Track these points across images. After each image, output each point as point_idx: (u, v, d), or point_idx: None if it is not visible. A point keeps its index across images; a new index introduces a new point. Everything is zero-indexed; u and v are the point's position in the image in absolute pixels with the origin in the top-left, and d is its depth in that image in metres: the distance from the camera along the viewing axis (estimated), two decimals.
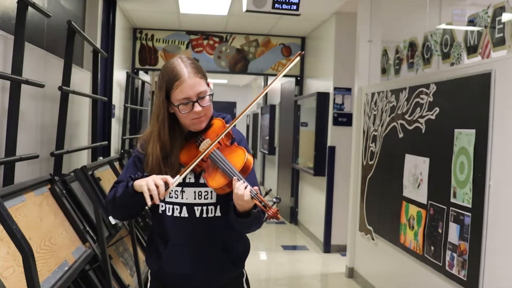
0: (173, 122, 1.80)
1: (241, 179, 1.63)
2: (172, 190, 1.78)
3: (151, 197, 1.61)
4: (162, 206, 1.81)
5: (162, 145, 1.77)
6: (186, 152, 1.79)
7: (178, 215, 1.79)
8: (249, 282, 1.95)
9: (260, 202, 1.59)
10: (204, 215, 1.79)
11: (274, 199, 1.60)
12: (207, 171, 1.74)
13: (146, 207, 1.65)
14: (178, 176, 1.69)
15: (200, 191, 1.78)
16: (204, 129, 1.81)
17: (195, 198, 1.78)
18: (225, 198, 1.71)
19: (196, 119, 1.76)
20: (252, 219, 1.64)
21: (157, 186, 1.62)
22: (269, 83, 1.83)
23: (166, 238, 1.81)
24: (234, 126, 1.81)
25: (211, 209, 1.79)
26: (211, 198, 1.79)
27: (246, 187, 1.60)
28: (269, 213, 1.56)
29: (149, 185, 1.62)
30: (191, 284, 1.82)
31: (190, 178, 1.79)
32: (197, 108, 1.73)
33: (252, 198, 1.59)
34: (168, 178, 1.65)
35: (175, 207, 1.79)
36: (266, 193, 1.62)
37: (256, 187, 1.63)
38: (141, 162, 1.83)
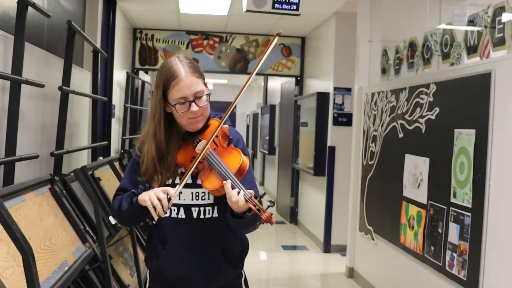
0: (170, 122, 1.79)
1: (236, 182, 1.62)
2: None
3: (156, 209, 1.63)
4: None
5: (157, 145, 1.76)
6: (183, 152, 1.79)
7: (176, 216, 1.78)
8: (248, 282, 1.95)
9: (254, 205, 1.57)
10: (202, 216, 1.78)
11: (268, 203, 1.58)
12: (203, 172, 1.73)
13: (154, 222, 1.69)
14: (178, 185, 1.69)
15: (197, 192, 1.78)
16: (201, 130, 1.80)
17: (192, 199, 1.78)
18: (223, 199, 1.70)
19: (192, 118, 1.75)
20: (247, 221, 1.64)
21: (159, 199, 1.63)
22: (255, 71, 1.80)
23: (164, 239, 1.81)
24: (232, 126, 1.81)
25: (209, 210, 1.79)
26: (209, 199, 1.78)
27: (239, 192, 1.59)
28: (263, 217, 1.55)
29: (152, 200, 1.63)
30: (189, 284, 1.81)
31: (187, 179, 1.78)
32: (194, 107, 1.72)
33: (246, 201, 1.58)
34: (169, 189, 1.66)
35: (173, 208, 1.78)
36: (261, 197, 1.61)
37: (251, 191, 1.61)
38: (140, 166, 1.82)
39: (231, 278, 1.87)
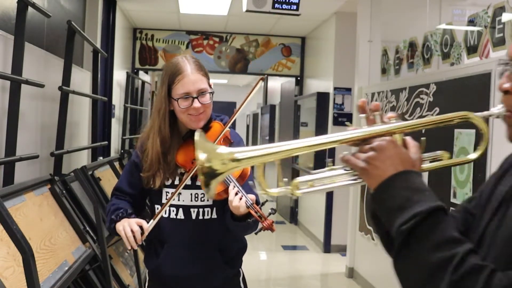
0: (172, 120, 1.80)
1: (238, 188, 1.62)
2: (168, 192, 1.78)
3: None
4: (158, 208, 1.80)
5: (162, 139, 1.77)
6: (183, 153, 1.78)
7: (175, 217, 1.79)
8: (247, 281, 1.95)
9: (256, 212, 1.57)
10: (201, 217, 1.78)
11: (270, 210, 1.59)
12: None
13: (128, 251, 1.71)
14: (152, 220, 1.71)
15: (196, 193, 1.78)
16: (203, 131, 1.79)
17: (191, 200, 1.78)
18: (222, 200, 1.71)
19: (194, 116, 1.75)
20: (246, 225, 1.64)
21: (133, 232, 1.65)
22: (245, 97, 1.81)
23: (163, 239, 1.82)
24: (233, 128, 1.80)
25: (208, 211, 1.79)
26: (208, 200, 1.78)
27: (241, 198, 1.59)
28: (264, 224, 1.56)
29: (125, 231, 1.66)
30: (188, 284, 1.82)
31: (186, 182, 1.78)
32: (197, 104, 1.73)
33: (247, 207, 1.58)
34: (143, 223, 1.68)
35: (172, 209, 1.79)
36: (262, 204, 1.61)
37: (252, 196, 1.61)
38: (138, 168, 1.83)
39: (229, 277, 1.87)
